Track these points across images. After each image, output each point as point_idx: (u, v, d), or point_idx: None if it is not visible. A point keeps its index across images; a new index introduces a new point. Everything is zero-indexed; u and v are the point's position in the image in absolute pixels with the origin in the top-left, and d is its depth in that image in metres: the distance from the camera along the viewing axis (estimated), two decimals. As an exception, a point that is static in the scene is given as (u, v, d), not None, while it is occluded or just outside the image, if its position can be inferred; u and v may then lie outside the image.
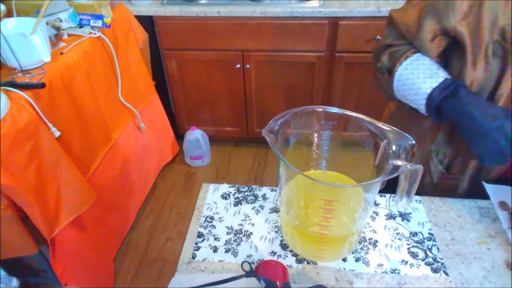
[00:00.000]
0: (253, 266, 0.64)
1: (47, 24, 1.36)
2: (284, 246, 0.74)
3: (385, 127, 0.62)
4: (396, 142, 0.60)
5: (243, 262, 0.65)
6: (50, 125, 1.19)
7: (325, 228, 0.64)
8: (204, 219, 0.80)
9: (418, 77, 0.75)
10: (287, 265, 0.70)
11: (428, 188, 0.92)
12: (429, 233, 0.76)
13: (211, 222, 0.79)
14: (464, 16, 0.69)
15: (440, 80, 0.72)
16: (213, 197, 0.85)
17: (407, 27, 0.79)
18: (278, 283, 0.59)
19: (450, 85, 0.71)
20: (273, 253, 0.73)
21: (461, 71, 0.73)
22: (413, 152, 0.59)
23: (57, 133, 1.22)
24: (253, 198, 0.84)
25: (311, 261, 0.71)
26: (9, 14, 1.40)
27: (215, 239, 0.75)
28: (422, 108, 0.76)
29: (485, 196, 0.82)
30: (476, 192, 0.84)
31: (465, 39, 0.70)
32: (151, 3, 1.97)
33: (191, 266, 0.71)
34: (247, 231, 0.77)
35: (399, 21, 0.81)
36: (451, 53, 0.77)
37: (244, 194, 0.85)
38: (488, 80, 0.70)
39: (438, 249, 0.73)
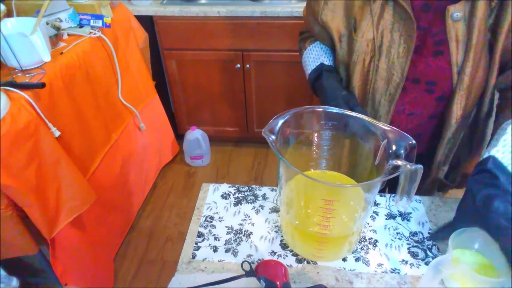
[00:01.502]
0: (253, 266, 0.64)
1: (47, 24, 1.36)
2: (284, 246, 0.74)
3: (385, 127, 0.62)
4: (396, 142, 0.60)
5: (243, 262, 0.65)
6: (50, 125, 1.19)
7: (325, 228, 0.64)
8: (204, 219, 0.80)
9: (309, 61, 0.93)
10: (287, 265, 0.70)
11: None
12: (429, 233, 0.76)
13: (211, 222, 0.79)
14: (327, 9, 0.83)
15: (317, 64, 0.90)
16: (213, 197, 0.85)
17: (304, 19, 0.94)
18: (278, 283, 0.59)
19: (319, 69, 0.89)
20: (273, 253, 0.73)
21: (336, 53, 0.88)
22: (413, 152, 0.60)
23: (57, 133, 1.22)
24: (253, 198, 0.85)
25: (311, 261, 0.71)
26: (9, 14, 1.40)
27: (215, 239, 0.76)
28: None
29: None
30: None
31: (329, 27, 0.84)
32: (151, 3, 1.96)
33: (191, 266, 0.71)
34: (247, 231, 0.77)
35: (303, 13, 0.96)
36: None
37: (244, 194, 0.86)
38: (349, 60, 0.84)
39: (438, 249, 0.73)
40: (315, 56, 0.93)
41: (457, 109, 0.80)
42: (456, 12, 0.71)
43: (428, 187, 0.96)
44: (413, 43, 0.75)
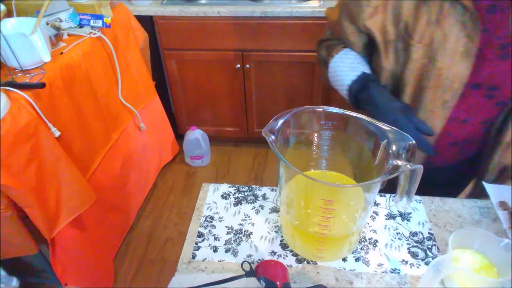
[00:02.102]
0: (253, 266, 0.64)
1: (47, 24, 1.36)
2: (284, 246, 0.74)
3: (385, 127, 0.62)
4: (396, 142, 0.60)
5: (243, 262, 0.65)
6: (50, 125, 1.19)
7: (325, 228, 0.64)
8: (204, 219, 0.80)
9: (343, 70, 0.85)
10: (287, 265, 0.70)
11: None
12: (429, 233, 0.76)
13: (211, 222, 0.79)
14: (371, 15, 0.76)
15: (358, 73, 0.81)
16: (213, 197, 0.85)
17: (333, 24, 0.88)
18: (278, 283, 0.59)
19: (364, 79, 0.80)
20: (273, 253, 0.73)
21: (378, 62, 0.82)
22: (413, 152, 0.60)
23: (57, 133, 1.22)
24: (253, 198, 0.84)
25: (311, 261, 0.71)
26: (9, 14, 1.40)
27: (215, 239, 0.75)
28: (346, 98, 0.85)
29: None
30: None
31: (375, 34, 0.77)
32: (151, 3, 1.96)
33: (191, 266, 0.71)
34: (247, 231, 0.77)
35: (329, 18, 0.90)
36: (374, 47, 0.84)
37: (244, 194, 0.86)
38: (398, 69, 0.79)
39: (438, 249, 0.73)
40: (351, 64, 0.84)
41: None
42: None
43: (472, 193, 0.93)
44: (475, 47, 0.70)
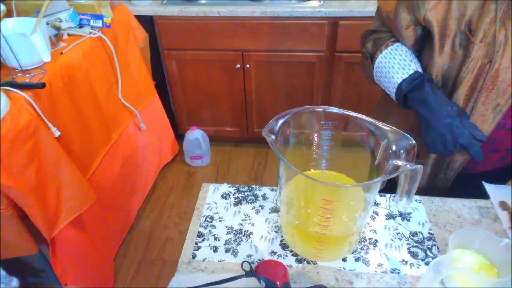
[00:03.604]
0: (253, 266, 0.64)
1: (47, 24, 1.36)
2: (284, 246, 0.74)
3: (385, 127, 0.62)
4: (396, 142, 0.60)
5: (243, 262, 0.65)
6: (50, 125, 1.19)
7: (325, 228, 0.64)
8: (204, 219, 0.80)
9: (393, 67, 0.81)
10: (287, 265, 0.70)
11: None
12: (429, 233, 0.76)
13: (211, 222, 0.79)
14: (434, 6, 0.73)
15: (410, 72, 0.78)
16: (213, 197, 0.85)
17: (387, 13, 0.84)
18: (278, 283, 0.59)
19: (418, 78, 0.76)
20: (273, 253, 0.73)
21: (430, 59, 0.78)
22: (413, 152, 0.59)
23: (57, 133, 1.22)
24: (253, 198, 0.84)
25: (311, 261, 0.71)
26: (9, 14, 1.40)
27: (215, 239, 0.75)
28: (393, 96, 0.82)
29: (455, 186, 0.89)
30: (440, 179, 0.91)
31: (434, 27, 0.74)
32: (151, 3, 1.96)
33: (191, 266, 0.71)
34: (247, 231, 0.77)
35: (382, 8, 0.86)
36: (425, 42, 0.82)
37: (244, 194, 0.86)
38: (452, 68, 0.75)
39: (438, 249, 0.73)
40: (401, 61, 0.80)
41: None
42: None
43: None
44: None
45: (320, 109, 0.67)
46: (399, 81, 0.79)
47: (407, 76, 0.78)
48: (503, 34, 0.68)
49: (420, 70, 0.79)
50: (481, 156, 0.70)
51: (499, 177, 0.92)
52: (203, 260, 0.71)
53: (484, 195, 0.87)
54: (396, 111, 0.92)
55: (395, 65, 0.81)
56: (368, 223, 0.78)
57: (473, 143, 0.70)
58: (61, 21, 1.42)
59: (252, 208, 0.82)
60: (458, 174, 0.90)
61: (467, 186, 0.92)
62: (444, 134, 0.72)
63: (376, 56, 0.85)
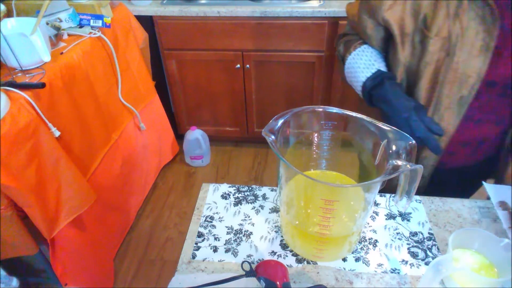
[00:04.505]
0: (253, 266, 0.64)
1: (47, 24, 1.36)
2: (284, 246, 0.74)
3: (385, 127, 0.62)
4: (396, 142, 0.60)
5: (243, 262, 0.65)
6: (50, 125, 1.19)
7: (325, 228, 0.64)
8: (204, 219, 0.80)
9: (359, 67, 0.85)
10: (287, 265, 0.70)
11: None
12: (429, 233, 0.76)
13: (211, 222, 0.79)
14: (390, 6, 0.77)
15: (373, 71, 0.82)
16: (213, 197, 0.85)
17: (353, 17, 0.89)
18: (278, 283, 0.59)
19: (379, 76, 0.81)
20: (273, 253, 0.73)
21: (394, 56, 0.81)
22: (414, 152, 0.59)
23: (57, 133, 1.22)
24: (253, 198, 0.84)
25: (311, 261, 0.71)
26: (9, 14, 1.40)
27: (215, 239, 0.75)
28: (360, 95, 0.86)
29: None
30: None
31: (393, 27, 0.77)
32: (151, 3, 1.96)
33: (191, 266, 0.71)
34: (247, 231, 0.77)
35: (349, 12, 0.91)
36: (390, 42, 0.85)
37: (244, 194, 0.86)
38: (413, 63, 0.79)
39: (438, 249, 0.73)
40: (366, 61, 0.85)
41: None
42: None
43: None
44: (493, 42, 0.70)
45: (320, 109, 0.67)
46: (363, 80, 0.83)
47: (370, 74, 0.82)
48: (459, 27, 0.71)
49: (383, 69, 0.83)
50: (439, 149, 0.71)
51: (480, 171, 0.93)
52: (203, 260, 0.71)
53: (466, 190, 0.88)
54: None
55: (361, 65, 0.85)
56: (368, 223, 0.78)
57: (429, 136, 0.70)
58: (61, 21, 1.42)
59: (252, 208, 0.82)
60: (435, 170, 0.91)
61: (448, 181, 0.93)
62: (402, 128, 0.73)
63: (346, 58, 0.89)
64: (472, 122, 0.82)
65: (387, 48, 0.86)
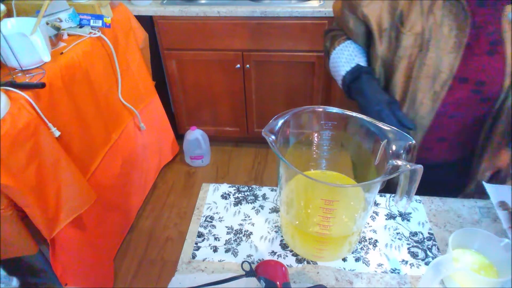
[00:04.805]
0: (253, 266, 0.64)
1: (47, 24, 1.36)
2: (284, 246, 0.74)
3: (385, 127, 0.62)
4: (396, 142, 0.60)
5: (243, 262, 0.65)
6: (50, 125, 1.19)
7: (325, 228, 0.64)
8: (204, 219, 0.80)
9: (341, 61, 0.89)
10: (287, 265, 0.70)
11: None
12: (429, 233, 0.76)
13: (211, 222, 0.79)
14: (369, 3, 0.80)
15: (353, 65, 0.86)
16: (213, 197, 0.85)
17: (336, 13, 0.92)
18: (278, 283, 0.59)
19: (357, 71, 0.84)
20: (273, 253, 0.73)
21: (373, 51, 0.84)
22: (413, 152, 0.60)
23: (57, 133, 1.22)
24: (253, 198, 0.84)
25: (311, 261, 0.71)
26: (9, 14, 1.40)
27: (215, 239, 0.75)
28: (341, 88, 0.90)
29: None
30: None
31: (371, 22, 0.80)
32: (151, 3, 1.96)
33: (191, 266, 0.71)
34: (247, 231, 0.77)
35: (333, 9, 0.94)
36: (371, 37, 0.87)
37: (244, 194, 0.86)
38: (390, 57, 0.82)
39: (438, 249, 0.73)
40: (348, 56, 0.89)
41: (509, 115, 0.77)
42: None
43: (468, 195, 0.93)
44: (465, 38, 0.72)
45: (320, 109, 0.67)
46: (343, 74, 0.87)
47: (349, 69, 0.86)
48: (432, 23, 0.73)
49: (363, 64, 0.86)
50: None
51: (460, 169, 0.94)
52: (203, 260, 0.72)
53: (451, 190, 0.89)
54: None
55: (343, 59, 0.89)
56: (368, 223, 0.78)
57: (400, 129, 0.71)
58: (61, 21, 1.42)
59: (252, 208, 0.82)
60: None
61: (430, 179, 0.93)
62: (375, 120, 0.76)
63: (331, 52, 0.93)
64: (446, 117, 0.83)
65: (369, 43, 0.89)
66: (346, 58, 0.89)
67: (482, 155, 0.86)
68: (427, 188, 0.86)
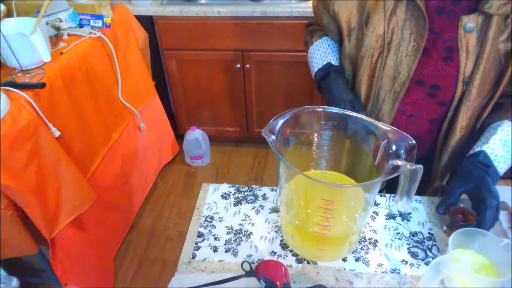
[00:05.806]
0: (253, 266, 0.64)
1: (47, 24, 1.36)
2: (284, 246, 0.74)
3: (385, 127, 0.62)
4: (396, 142, 0.60)
5: (243, 262, 0.65)
6: (50, 125, 1.19)
7: (325, 228, 0.64)
8: (204, 219, 0.80)
9: (316, 58, 0.94)
10: (287, 265, 0.70)
11: None
12: (429, 233, 0.76)
13: (211, 222, 0.79)
14: (340, 2, 0.82)
15: (324, 63, 0.90)
16: (213, 197, 0.85)
17: (313, 9, 0.93)
18: (278, 283, 0.59)
19: (327, 69, 0.89)
20: (273, 253, 0.73)
21: (343, 49, 0.87)
22: (413, 152, 0.60)
23: (57, 133, 1.22)
24: (253, 198, 0.85)
25: (311, 261, 0.71)
26: (9, 14, 1.40)
27: (215, 239, 0.76)
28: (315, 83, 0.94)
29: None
30: None
31: (341, 20, 0.83)
32: (151, 3, 1.96)
33: (191, 266, 0.71)
34: (247, 231, 0.77)
35: (312, 4, 0.95)
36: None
37: (244, 194, 0.86)
38: (355, 55, 0.85)
39: (438, 249, 0.73)
40: (322, 54, 0.92)
41: (463, 120, 0.80)
42: (469, 23, 0.71)
43: (431, 193, 0.95)
44: (423, 43, 0.74)
45: (320, 109, 0.67)
46: (315, 70, 0.92)
47: (321, 66, 0.91)
48: (394, 26, 0.75)
49: (335, 62, 0.90)
50: None
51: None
52: (203, 260, 0.72)
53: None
54: None
55: (317, 56, 0.93)
56: (368, 223, 0.78)
57: None
58: (61, 21, 1.42)
59: (252, 208, 0.82)
60: None
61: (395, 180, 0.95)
62: None
63: (308, 47, 0.97)
64: (405, 116, 0.86)
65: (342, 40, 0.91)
66: (320, 55, 0.92)
67: (440, 157, 0.88)
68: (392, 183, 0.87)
